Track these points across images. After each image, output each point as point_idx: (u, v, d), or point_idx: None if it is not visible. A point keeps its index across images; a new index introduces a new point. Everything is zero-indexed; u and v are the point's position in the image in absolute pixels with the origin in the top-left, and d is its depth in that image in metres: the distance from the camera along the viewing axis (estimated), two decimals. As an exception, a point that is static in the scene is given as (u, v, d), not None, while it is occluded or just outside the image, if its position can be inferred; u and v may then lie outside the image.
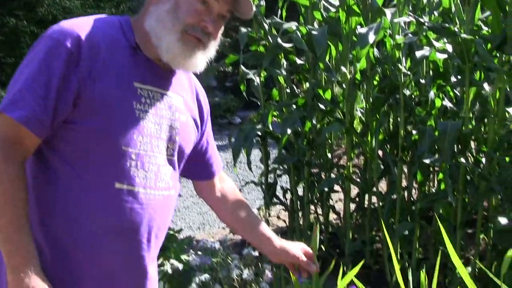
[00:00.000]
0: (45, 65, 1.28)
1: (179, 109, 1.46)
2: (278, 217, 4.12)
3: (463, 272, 2.13)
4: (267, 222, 3.93)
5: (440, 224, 3.41)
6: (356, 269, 2.34)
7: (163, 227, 1.46)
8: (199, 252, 2.76)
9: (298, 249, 1.78)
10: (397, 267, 1.97)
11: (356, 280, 2.02)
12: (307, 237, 3.71)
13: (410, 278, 1.91)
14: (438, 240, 3.38)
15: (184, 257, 2.82)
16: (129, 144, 1.34)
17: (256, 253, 2.74)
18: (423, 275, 1.91)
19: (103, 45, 1.34)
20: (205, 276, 2.65)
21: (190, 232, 4.43)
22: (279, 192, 4.07)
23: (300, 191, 3.92)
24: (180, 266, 2.50)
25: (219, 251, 2.72)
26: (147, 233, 1.39)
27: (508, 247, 2.99)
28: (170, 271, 2.48)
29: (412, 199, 3.64)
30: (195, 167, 1.64)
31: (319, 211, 4.14)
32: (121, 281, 1.39)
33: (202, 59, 1.43)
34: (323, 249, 3.82)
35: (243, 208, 1.72)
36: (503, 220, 2.75)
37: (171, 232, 3.07)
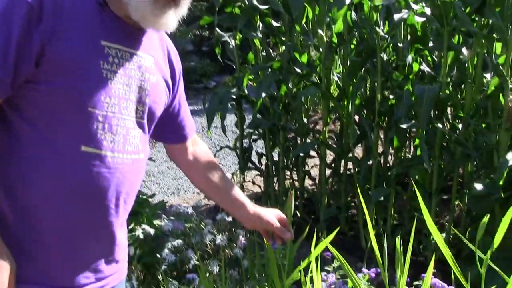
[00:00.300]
0: (4, 21, 1.21)
1: (149, 69, 1.40)
2: (253, 183, 4.10)
3: (438, 238, 2.13)
4: (242, 187, 3.92)
5: (416, 190, 3.44)
6: (331, 235, 2.35)
7: (132, 192, 1.41)
8: (172, 217, 2.73)
9: (272, 215, 1.75)
10: (372, 233, 1.96)
11: (330, 247, 2.02)
12: (282, 203, 3.70)
13: (385, 244, 1.90)
14: (413, 206, 3.39)
15: (156, 222, 2.79)
16: (96, 105, 1.28)
17: (229, 219, 2.72)
18: (398, 241, 1.91)
19: (67, 1, 1.27)
20: (177, 242, 2.62)
21: (164, 197, 4.39)
22: (254, 157, 4.04)
23: (275, 156, 3.90)
24: (152, 231, 2.47)
25: (192, 217, 2.69)
26: (115, 198, 1.35)
27: (483, 213, 3.01)
28: (141, 236, 2.45)
29: (388, 165, 3.64)
30: (167, 130, 1.59)
31: (295, 176, 4.13)
32: (89, 248, 1.35)
33: (173, 18, 1.36)
34: (298, 215, 3.82)
35: (216, 173, 1.68)
36: (478, 186, 2.76)
37: (144, 197, 3.03)
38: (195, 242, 2.69)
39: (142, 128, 1.40)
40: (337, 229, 3.27)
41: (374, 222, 3.36)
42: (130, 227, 2.51)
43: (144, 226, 2.46)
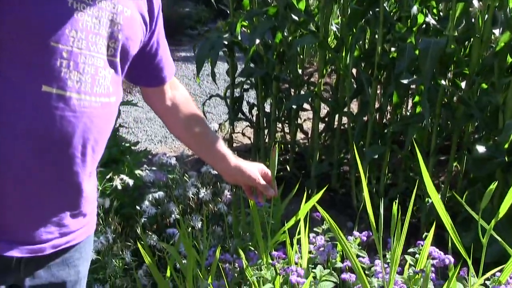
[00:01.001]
0: None
1: (122, 1, 1.23)
2: (243, 134, 3.94)
3: (437, 201, 2.00)
4: (231, 138, 3.76)
5: (412, 150, 3.29)
6: (320, 193, 2.20)
7: (102, 139, 1.23)
8: (154, 168, 2.58)
9: (255, 170, 1.61)
10: (366, 192, 1.82)
11: (320, 208, 1.88)
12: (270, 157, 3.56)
13: (381, 210, 1.76)
14: (408, 166, 3.26)
15: (138, 172, 2.65)
16: (60, 39, 1.10)
17: (215, 172, 2.57)
18: (395, 207, 1.77)
19: None
20: (159, 194, 2.48)
21: (151, 145, 4.23)
22: (245, 108, 3.88)
23: (267, 107, 3.73)
24: (131, 182, 2.32)
25: (175, 168, 2.54)
26: (82, 146, 1.18)
27: (483, 177, 2.88)
28: (120, 187, 2.30)
29: (384, 122, 3.49)
30: (143, 72, 1.41)
31: (286, 129, 3.98)
32: (51, 200, 1.19)
33: None
34: (288, 169, 3.69)
35: (196, 120, 1.53)
36: (481, 149, 2.62)
37: (127, 144, 2.88)
38: (177, 195, 2.54)
39: (114, 67, 1.23)
40: (328, 186, 3.15)
41: (367, 181, 3.22)
42: (108, 176, 2.36)
43: (122, 176, 2.31)
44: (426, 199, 3.02)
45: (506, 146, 2.49)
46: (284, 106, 3.45)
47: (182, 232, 2.12)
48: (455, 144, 3.04)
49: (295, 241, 2.09)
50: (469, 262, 1.88)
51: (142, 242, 2.05)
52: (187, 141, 1.59)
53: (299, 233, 2.04)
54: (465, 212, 2.95)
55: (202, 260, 2.12)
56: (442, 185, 3.18)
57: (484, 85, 2.92)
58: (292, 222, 2.07)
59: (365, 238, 2.23)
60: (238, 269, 2.10)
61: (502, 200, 1.77)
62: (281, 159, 3.86)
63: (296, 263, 2.08)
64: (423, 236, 3.09)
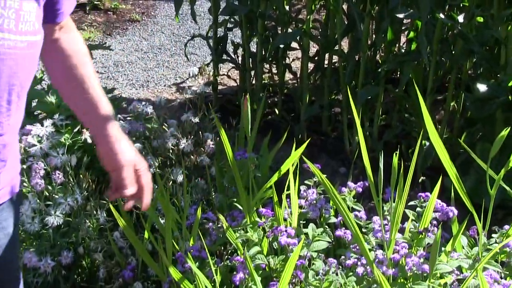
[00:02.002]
0: None
1: None
2: (228, 76, 3.66)
3: (438, 143, 1.77)
4: (216, 81, 3.49)
5: (407, 89, 3.04)
6: (304, 145, 1.96)
7: (26, 84, 1.04)
8: (129, 117, 2.33)
9: (129, 169, 1.25)
10: (361, 135, 1.59)
11: (307, 161, 1.64)
12: (259, 99, 3.30)
13: (381, 165, 1.53)
14: (403, 106, 3.02)
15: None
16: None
17: (197, 120, 2.32)
18: (395, 159, 1.54)
19: None
20: (135, 145, 2.23)
21: (132, 90, 3.95)
22: (230, 48, 3.60)
23: (253, 47, 3.45)
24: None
25: (152, 117, 2.29)
26: (7, 93, 0.98)
27: (483, 117, 2.65)
28: (89, 140, 2.05)
29: (377, 60, 3.22)
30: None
31: (274, 70, 3.71)
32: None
33: None
34: (277, 112, 3.44)
35: (80, 73, 1.21)
36: (482, 87, 2.37)
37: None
38: (156, 146, 2.30)
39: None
40: (319, 130, 2.89)
41: (360, 123, 2.99)
42: (77, 129, 2.11)
43: (92, 129, 2.06)
44: (423, 141, 2.79)
45: (510, 84, 2.24)
46: (271, 45, 3.17)
47: (160, 189, 1.88)
48: (453, 82, 2.79)
49: (284, 196, 1.87)
50: (476, 217, 1.67)
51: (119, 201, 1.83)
52: (64, 95, 1.29)
53: (287, 189, 1.82)
54: (464, 154, 2.74)
55: (183, 220, 1.89)
56: (439, 126, 2.94)
57: (480, 18, 2.66)
58: (276, 176, 1.83)
59: (360, 189, 2.00)
60: (223, 229, 1.88)
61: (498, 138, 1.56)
62: (269, 101, 3.60)
63: (285, 220, 1.86)
64: (419, 180, 2.90)
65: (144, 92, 3.94)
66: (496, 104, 2.34)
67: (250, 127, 1.67)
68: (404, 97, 2.86)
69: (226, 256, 1.86)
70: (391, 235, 1.48)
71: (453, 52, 2.65)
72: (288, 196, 1.85)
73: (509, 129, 1.53)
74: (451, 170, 1.73)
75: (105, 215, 2.04)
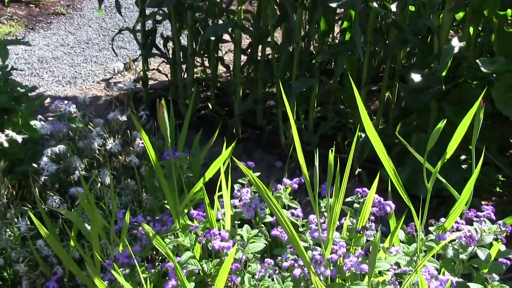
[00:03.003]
0: None
1: None
2: (159, 71, 3.54)
3: (374, 135, 1.73)
4: (146, 76, 3.38)
5: (342, 80, 3.01)
6: (232, 146, 1.89)
7: None
8: (52, 117, 2.20)
9: None
10: (294, 129, 1.53)
11: (237, 162, 1.57)
12: (191, 94, 3.21)
13: (316, 163, 1.48)
14: (338, 97, 2.99)
15: (35, 122, 2.26)
16: None
17: (124, 118, 2.22)
18: (331, 156, 1.49)
19: None
20: (59, 147, 2.11)
21: (59, 88, 3.78)
22: (160, 42, 3.49)
23: (183, 40, 3.35)
24: (19, 138, 1.94)
25: (76, 116, 2.17)
26: None
27: (417, 107, 2.64)
28: (6, 144, 1.92)
29: (312, 51, 3.18)
30: None
31: (206, 63, 3.63)
32: None
33: None
34: (210, 107, 3.35)
35: None
36: (416, 77, 2.36)
37: (22, 90, 2.46)
38: (81, 147, 2.18)
39: None
40: (253, 124, 2.82)
41: (295, 116, 2.94)
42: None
43: (8, 131, 1.93)
44: (359, 133, 2.76)
45: (444, 73, 2.23)
46: (201, 38, 3.08)
47: (85, 193, 1.78)
48: (388, 72, 2.78)
49: (216, 197, 1.80)
50: (413, 212, 1.65)
51: (40, 207, 1.71)
52: None
53: (219, 190, 1.74)
54: (400, 145, 2.73)
55: (111, 225, 1.79)
56: (374, 117, 2.93)
57: (412, 8, 2.65)
58: (205, 177, 1.75)
59: (296, 186, 1.95)
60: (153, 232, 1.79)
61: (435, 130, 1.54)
62: (202, 96, 3.51)
63: (219, 221, 1.78)
64: (356, 172, 2.88)
65: (72, 89, 3.78)
66: (430, 94, 2.33)
67: (175, 126, 1.58)
68: (339, 89, 2.83)
69: (158, 262, 1.77)
70: (328, 234, 1.43)
71: (387, 42, 2.63)
72: (221, 196, 1.78)
73: (445, 121, 1.49)
74: (387, 163, 1.70)
75: (27, 222, 1.92)
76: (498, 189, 2.69)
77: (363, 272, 1.39)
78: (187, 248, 1.59)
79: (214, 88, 3.35)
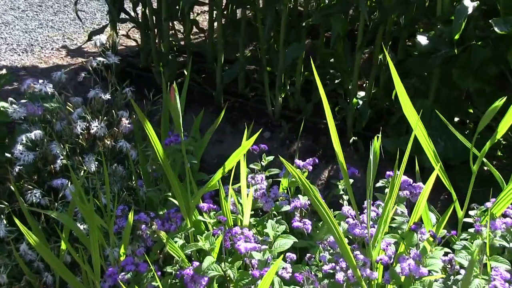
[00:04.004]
0: None
1: None
2: (128, 36, 3.24)
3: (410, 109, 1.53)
4: (114, 43, 3.06)
5: (326, 43, 2.78)
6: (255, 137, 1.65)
7: None
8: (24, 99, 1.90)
9: None
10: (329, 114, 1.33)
11: (287, 164, 1.34)
12: (167, 62, 2.93)
13: (371, 156, 1.26)
14: (328, 62, 2.76)
15: (3, 104, 1.96)
16: None
17: (107, 96, 1.94)
18: (377, 143, 1.27)
19: None
20: (35, 133, 1.83)
21: (15, 57, 3.42)
22: (128, 7, 3.17)
23: (154, 3, 3.05)
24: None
25: (53, 97, 1.88)
26: None
27: (419, 72, 2.44)
28: (-21, 136, 1.63)
29: (300, 12, 2.93)
30: None
31: (180, 27, 3.33)
32: None
33: None
34: (186, 73, 3.07)
35: None
36: (423, 40, 2.15)
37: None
38: (59, 130, 1.90)
39: None
40: (235, 92, 2.55)
41: (282, 82, 2.71)
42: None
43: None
44: (356, 100, 2.56)
45: (457, 36, 2.03)
46: (183, 1, 2.78)
47: (77, 190, 1.51)
48: (381, 35, 2.56)
49: (230, 188, 1.56)
50: (455, 200, 1.46)
51: (22, 204, 1.44)
52: None
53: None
54: (400, 111, 2.53)
55: (110, 225, 1.54)
56: (366, 81, 2.72)
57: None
58: (220, 172, 1.51)
59: (311, 168, 1.73)
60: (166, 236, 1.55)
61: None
62: (176, 60, 3.22)
63: (233, 214, 1.56)
64: (350, 141, 2.68)
65: (29, 58, 3.43)
66: (439, 58, 2.13)
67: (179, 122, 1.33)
68: (330, 53, 2.60)
69: (161, 260, 1.55)
70: (378, 231, 1.22)
71: (384, 2, 2.40)
72: (226, 183, 1.56)
73: (504, 99, 1.29)
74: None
75: (5, 223, 1.65)
76: (499, 153, 2.55)
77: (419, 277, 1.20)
78: (207, 253, 1.36)
79: (190, 54, 3.06)
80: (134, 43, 3.26)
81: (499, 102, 1.26)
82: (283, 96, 2.72)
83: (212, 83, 2.91)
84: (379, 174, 2.48)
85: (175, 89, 1.26)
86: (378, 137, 1.19)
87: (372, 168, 1.20)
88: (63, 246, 1.56)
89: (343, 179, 1.31)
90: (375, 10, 2.54)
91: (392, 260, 1.25)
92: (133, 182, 1.88)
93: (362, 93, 2.64)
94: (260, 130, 1.74)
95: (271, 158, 1.72)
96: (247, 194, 1.46)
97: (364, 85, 2.78)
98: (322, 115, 2.86)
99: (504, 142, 2.56)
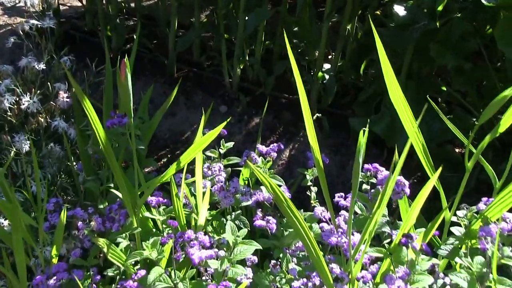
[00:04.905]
0: None
1: None
2: (72, -5, 2.92)
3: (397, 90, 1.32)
4: (58, 4, 2.74)
5: (289, 9, 2.53)
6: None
7: None
8: None
9: None
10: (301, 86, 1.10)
11: (251, 164, 1.09)
12: (115, 26, 2.63)
13: (360, 153, 1.03)
14: (291, 31, 2.51)
15: None
16: None
17: (42, 66, 1.65)
18: (363, 137, 1.05)
19: None
20: (-45, 107, 1.54)
21: None
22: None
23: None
24: None
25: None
26: None
27: (389, 44, 2.23)
28: None
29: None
30: None
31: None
32: None
33: None
34: (135, 38, 2.77)
35: None
36: (400, 10, 1.93)
37: None
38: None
39: None
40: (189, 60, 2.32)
41: (241, 52, 2.46)
42: None
43: None
44: (321, 73, 2.33)
45: (440, 7, 1.82)
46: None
47: (0, 180, 1.25)
48: (351, 4, 2.32)
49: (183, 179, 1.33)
50: (443, 199, 1.26)
51: None
52: None
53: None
54: (368, 87, 2.33)
55: (40, 221, 1.29)
56: (333, 53, 2.50)
57: None
58: (186, 160, 1.26)
59: (275, 154, 1.51)
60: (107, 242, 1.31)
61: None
62: (125, 24, 2.92)
63: (185, 206, 1.32)
64: (314, 117, 2.47)
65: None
66: (417, 30, 1.91)
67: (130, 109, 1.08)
68: (295, 21, 2.36)
69: (101, 263, 1.31)
70: (361, 240, 1.01)
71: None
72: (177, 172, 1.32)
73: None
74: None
75: None
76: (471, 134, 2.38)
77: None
78: (154, 262, 1.13)
79: (140, 18, 2.77)
80: (79, 4, 2.94)
81: (509, 92, 1.05)
82: (241, 67, 2.47)
83: (164, 50, 2.63)
84: (348, 156, 2.29)
85: (127, 64, 1.01)
86: (364, 131, 0.97)
87: (356, 168, 0.98)
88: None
89: (316, 171, 1.09)
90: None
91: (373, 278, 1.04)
92: (73, 164, 1.61)
93: (327, 66, 2.42)
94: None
95: (230, 144, 1.49)
96: (203, 191, 1.23)
97: (330, 57, 2.56)
98: (283, 88, 2.63)
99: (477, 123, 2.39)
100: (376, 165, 1.32)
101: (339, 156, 2.29)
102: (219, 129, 1.20)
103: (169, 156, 2.29)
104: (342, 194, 1.40)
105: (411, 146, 1.08)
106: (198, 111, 2.44)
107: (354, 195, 0.99)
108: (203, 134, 1.34)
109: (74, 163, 1.60)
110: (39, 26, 1.65)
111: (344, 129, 2.33)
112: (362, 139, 0.99)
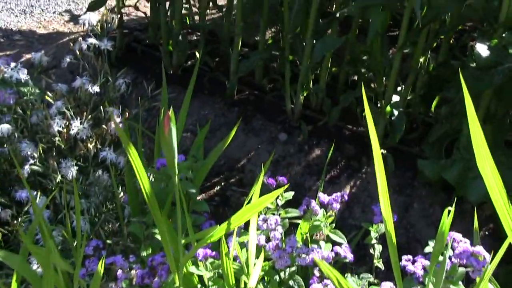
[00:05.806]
0: None
1: None
2: (137, 8, 2.81)
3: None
4: (121, 15, 2.66)
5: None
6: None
7: None
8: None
9: None
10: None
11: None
12: (177, 42, 2.52)
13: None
14: (359, 60, 2.33)
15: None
16: None
17: (96, 88, 1.53)
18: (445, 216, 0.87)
19: None
20: (2, 127, 1.44)
21: (11, 18, 3.02)
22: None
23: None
24: None
25: (27, 85, 1.48)
26: None
27: (469, 87, 2.04)
28: None
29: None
30: None
31: (194, 2, 2.91)
32: None
33: None
34: (197, 56, 2.65)
35: None
36: (483, 51, 1.73)
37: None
38: (34, 124, 1.51)
39: None
40: (252, 82, 2.18)
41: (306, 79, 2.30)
42: None
43: None
44: (389, 108, 2.15)
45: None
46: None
47: (38, 220, 1.13)
48: (425, 35, 2.13)
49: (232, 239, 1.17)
50: None
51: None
52: None
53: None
54: (442, 127, 2.13)
55: (77, 267, 1.16)
56: (402, 85, 2.31)
57: None
58: (236, 223, 1.11)
59: (338, 206, 1.34)
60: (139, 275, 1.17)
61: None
62: (188, 38, 2.81)
63: (235, 260, 1.17)
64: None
65: (27, 20, 3.02)
66: (499, 74, 1.71)
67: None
68: (366, 51, 2.19)
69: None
70: None
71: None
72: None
73: None
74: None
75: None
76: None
77: None
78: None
79: (204, 33, 2.65)
80: (143, 15, 2.84)
81: None
82: (305, 94, 2.31)
83: (225, 69, 2.50)
84: (412, 197, 2.10)
85: (172, 118, 0.87)
86: (449, 211, 0.80)
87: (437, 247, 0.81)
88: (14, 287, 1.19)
89: (385, 227, 0.92)
90: (423, 5, 2.10)
91: None
92: (119, 196, 1.49)
93: (395, 98, 2.23)
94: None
95: (289, 195, 1.33)
96: (257, 254, 1.08)
97: (399, 88, 2.37)
98: (346, 118, 2.45)
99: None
100: (458, 236, 1.14)
101: (403, 197, 2.10)
102: (277, 193, 1.04)
103: (223, 184, 2.15)
104: (410, 257, 1.23)
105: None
106: (256, 137, 2.30)
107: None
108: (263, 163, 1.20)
109: (122, 194, 1.47)
110: (96, 46, 1.54)
111: (410, 168, 2.14)
112: (446, 220, 0.82)
